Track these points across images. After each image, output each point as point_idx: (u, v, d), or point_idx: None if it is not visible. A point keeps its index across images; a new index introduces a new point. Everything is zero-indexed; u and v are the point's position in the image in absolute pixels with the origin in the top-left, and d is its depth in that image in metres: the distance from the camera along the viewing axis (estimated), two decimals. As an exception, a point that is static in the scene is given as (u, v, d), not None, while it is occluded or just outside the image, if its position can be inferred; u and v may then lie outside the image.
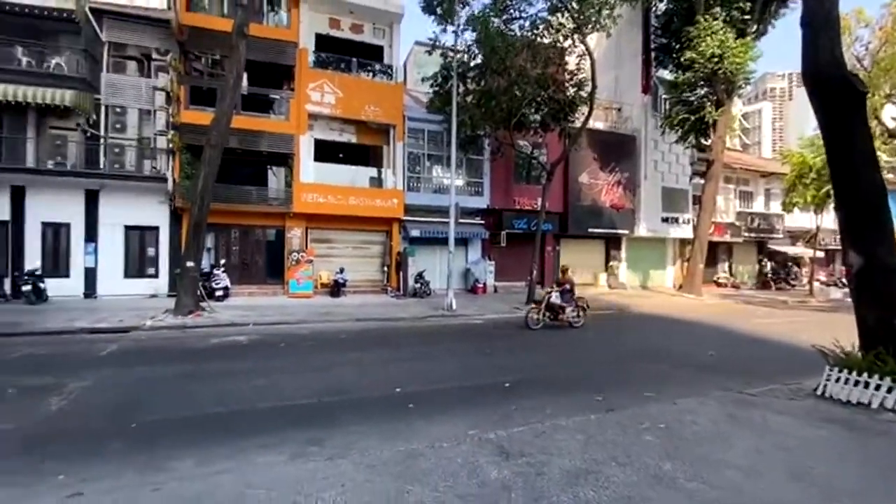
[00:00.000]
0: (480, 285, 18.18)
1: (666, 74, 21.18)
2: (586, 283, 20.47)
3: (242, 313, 11.72)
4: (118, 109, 15.20)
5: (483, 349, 8.58)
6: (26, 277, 13.06)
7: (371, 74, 17.76)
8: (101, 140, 14.99)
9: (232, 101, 12.31)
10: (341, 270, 16.40)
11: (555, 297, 10.73)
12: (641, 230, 21.82)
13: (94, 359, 7.19)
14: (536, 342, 9.40)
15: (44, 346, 8.05)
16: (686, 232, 22.43)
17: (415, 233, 17.39)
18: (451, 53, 15.32)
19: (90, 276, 14.90)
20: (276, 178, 17.13)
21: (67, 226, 14.79)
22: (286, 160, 16.56)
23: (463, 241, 18.59)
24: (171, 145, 15.19)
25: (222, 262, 15.40)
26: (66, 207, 14.62)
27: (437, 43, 15.93)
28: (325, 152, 17.54)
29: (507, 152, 17.70)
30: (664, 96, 21.10)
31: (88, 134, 14.98)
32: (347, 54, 17.47)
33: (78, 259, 14.85)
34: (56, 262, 14.65)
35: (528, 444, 3.73)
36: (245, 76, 13.84)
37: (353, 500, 2.88)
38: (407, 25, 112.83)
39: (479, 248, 19.43)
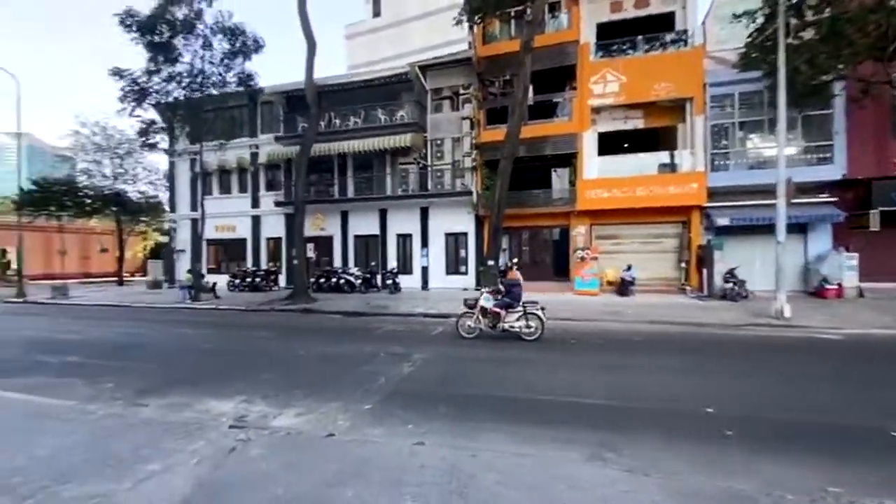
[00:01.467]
0: (833, 287, 13.37)
1: None
2: None
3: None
4: (438, 142, 19.11)
5: (845, 376, 6.15)
6: (388, 274, 18.13)
7: (661, 48, 15.91)
8: (428, 168, 19.19)
9: (520, 115, 13.42)
10: (629, 268, 15.34)
11: (484, 300, 8.61)
12: None
13: (429, 337, 9.12)
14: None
15: (398, 324, 10.86)
16: None
17: (722, 221, 14.46)
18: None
19: (424, 273, 19.30)
20: (559, 178, 17.64)
21: (410, 236, 19.67)
22: (569, 160, 16.83)
23: (798, 228, 14.21)
24: (474, 163, 17.97)
25: (515, 260, 16.94)
26: (409, 222, 19.49)
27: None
28: (609, 144, 16.89)
29: (879, 94, 12.39)
30: None
31: (420, 165, 19.45)
32: (632, 34, 16.29)
33: (416, 260, 19.50)
34: (404, 263, 19.68)
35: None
36: (530, 88, 14.87)
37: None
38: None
39: (826, 235, 14.43)
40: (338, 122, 19.86)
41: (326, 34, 15.59)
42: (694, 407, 4.78)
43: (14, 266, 24.68)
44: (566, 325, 10.48)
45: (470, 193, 17.92)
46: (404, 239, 19.84)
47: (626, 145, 17.56)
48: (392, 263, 19.12)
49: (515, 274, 8.95)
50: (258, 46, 16.49)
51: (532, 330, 8.43)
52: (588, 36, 16.47)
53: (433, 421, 4.46)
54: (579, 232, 16.67)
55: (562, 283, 16.74)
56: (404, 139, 18.38)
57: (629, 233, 16.53)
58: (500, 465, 3.32)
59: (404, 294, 17.21)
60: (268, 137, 21.45)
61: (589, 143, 16.43)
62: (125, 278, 28.95)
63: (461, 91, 18.72)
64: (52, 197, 24.97)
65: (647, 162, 16.21)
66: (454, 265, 18.96)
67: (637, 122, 16.37)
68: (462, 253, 18.83)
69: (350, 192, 20.66)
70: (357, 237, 20.69)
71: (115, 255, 29.61)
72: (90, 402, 5.00)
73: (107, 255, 34.66)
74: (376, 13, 40.57)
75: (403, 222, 19.61)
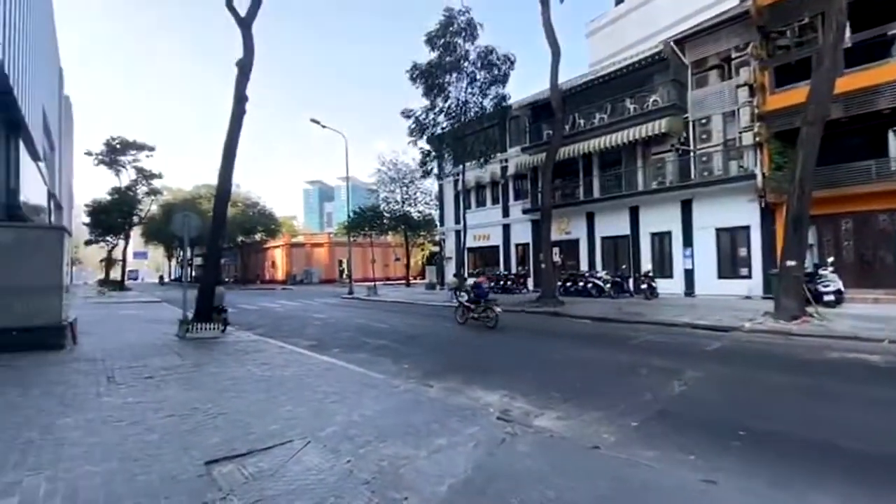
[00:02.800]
0: None
1: None
2: None
3: (867, 325, 9.00)
4: (703, 121, 16.27)
5: None
6: (642, 278, 16.41)
7: None
8: (691, 153, 16.53)
9: (833, 63, 10.00)
10: None
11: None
12: None
13: (701, 353, 7.68)
14: None
15: (658, 334, 9.58)
16: None
17: None
18: None
19: (688, 276, 16.64)
20: (903, 141, 12.32)
21: (668, 234, 17.34)
22: (926, 111, 11.52)
23: None
24: (756, 139, 14.45)
25: (829, 260, 12.70)
26: (666, 218, 17.22)
27: None
28: None
29: None
30: None
31: (680, 151, 16.97)
32: None
33: (678, 262, 17.01)
34: (661, 265, 17.48)
35: None
36: (846, 25, 10.92)
37: None
38: None
39: None
40: (581, 122, 19.46)
41: (564, 36, 15.53)
42: None
43: (346, 272, 34.30)
44: (940, 354, 7.06)
45: (752, 177, 14.48)
46: (660, 238, 17.66)
47: None
48: (646, 266, 17.27)
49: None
50: (511, 63, 17.94)
51: None
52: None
53: (723, 457, 3.61)
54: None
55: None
56: (658, 125, 16.44)
57: None
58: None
59: (662, 300, 15.26)
60: (515, 150, 22.91)
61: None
62: (411, 281, 36.17)
63: (733, 55, 15.43)
64: (364, 221, 33.54)
65: None
66: (730, 267, 15.67)
67: None
68: (741, 252, 15.37)
69: (596, 192, 19.86)
70: (605, 239, 19.67)
71: (404, 263, 37.34)
72: (394, 377, 6.24)
73: (398, 262, 44.06)
74: (619, 0, 38.30)
75: (659, 219, 17.48)
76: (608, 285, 16.97)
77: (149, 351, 8.12)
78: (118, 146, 38.86)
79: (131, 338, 9.76)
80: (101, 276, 49.10)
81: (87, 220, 42.08)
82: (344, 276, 42.35)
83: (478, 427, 4.09)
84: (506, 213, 24.10)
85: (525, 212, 22.19)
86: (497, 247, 24.63)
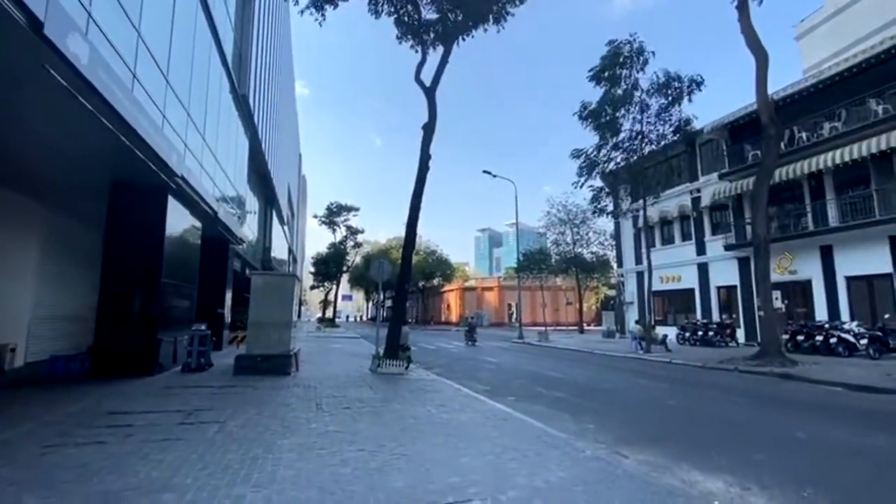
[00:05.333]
0: None
1: None
2: None
3: None
4: None
5: None
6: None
7: None
8: None
9: None
10: None
11: None
12: None
13: None
14: None
15: None
16: None
17: None
18: None
19: None
20: None
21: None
22: None
23: None
24: None
25: None
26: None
27: None
28: None
29: None
30: None
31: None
32: None
33: None
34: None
35: None
36: None
37: None
38: None
39: None
40: (803, 135, 15.78)
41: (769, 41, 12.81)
42: None
43: (515, 316, 34.13)
44: None
45: None
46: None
47: None
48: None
49: None
50: (697, 84, 15.92)
51: None
52: None
53: None
54: None
55: None
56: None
57: None
58: None
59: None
60: (709, 178, 19.88)
61: None
62: (584, 327, 33.78)
63: None
64: (533, 263, 33.17)
65: None
66: None
67: None
68: None
69: (832, 220, 15.50)
70: (850, 279, 15.00)
71: (576, 307, 35.27)
72: (577, 437, 5.49)
73: (570, 307, 41.91)
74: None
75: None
76: (863, 340, 12.57)
77: (348, 382, 9.12)
78: (335, 209, 48.39)
79: (336, 369, 11.21)
80: (320, 314, 59.94)
81: (312, 269, 53.02)
82: (513, 319, 42.25)
83: (701, 525, 3.12)
84: (701, 251, 20.70)
85: (728, 248, 18.63)
86: (691, 290, 21.15)
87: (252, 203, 23.08)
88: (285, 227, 45.13)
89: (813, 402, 8.03)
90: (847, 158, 14.04)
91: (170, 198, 9.87)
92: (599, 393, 9.17)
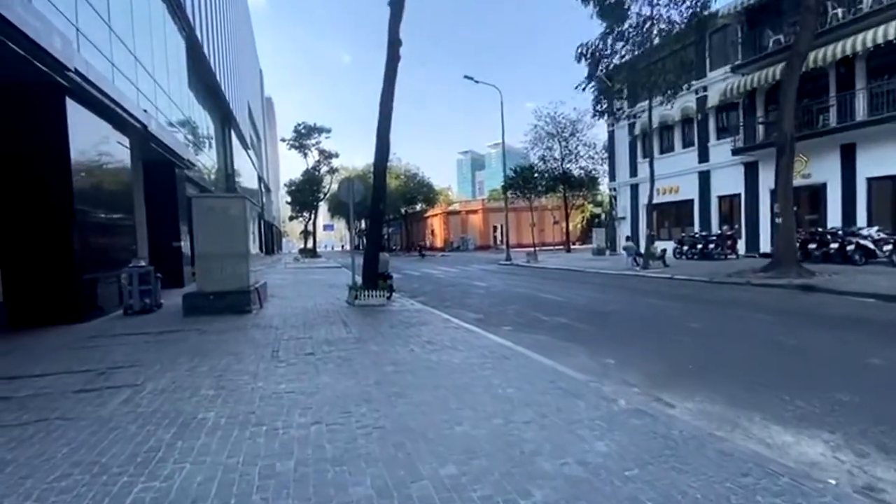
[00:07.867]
0: None
1: None
2: None
3: None
4: None
5: None
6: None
7: None
8: None
9: None
10: None
11: None
12: None
13: None
14: None
15: None
16: None
17: None
18: None
19: None
20: None
21: None
22: None
23: None
24: None
25: None
26: None
27: None
28: None
29: None
30: None
31: None
32: None
33: None
34: None
35: None
36: None
37: None
38: None
39: None
40: (839, 12, 13.58)
41: None
42: None
43: (502, 238, 33.01)
44: None
45: None
46: None
47: None
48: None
49: None
50: None
51: None
52: None
53: None
54: None
55: None
56: None
57: None
58: None
59: None
60: (718, 73, 17.76)
61: None
62: (571, 246, 33.02)
63: None
64: (522, 181, 31.28)
65: None
66: None
67: None
68: None
69: (860, 114, 13.89)
70: (872, 180, 13.83)
71: (562, 227, 34.25)
72: (600, 378, 4.31)
73: (557, 226, 40.94)
74: None
75: None
76: (887, 247, 11.66)
77: (319, 318, 7.81)
78: (304, 131, 44.51)
79: (308, 303, 9.88)
80: (302, 245, 58.23)
81: (288, 199, 50.29)
82: (499, 242, 41.37)
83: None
84: (704, 157, 19.16)
85: (736, 152, 17.06)
86: (690, 201, 19.93)
87: (204, 121, 20.27)
88: (250, 153, 41.56)
89: (853, 317, 7.07)
90: (888, 38, 12.07)
91: (69, 102, 7.68)
92: (606, 316, 8.10)
